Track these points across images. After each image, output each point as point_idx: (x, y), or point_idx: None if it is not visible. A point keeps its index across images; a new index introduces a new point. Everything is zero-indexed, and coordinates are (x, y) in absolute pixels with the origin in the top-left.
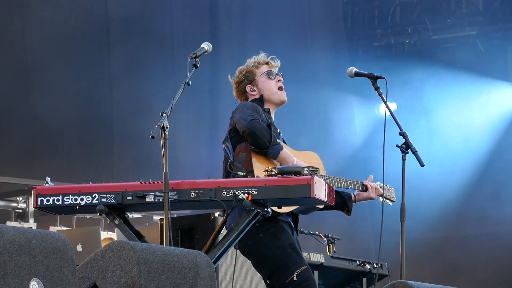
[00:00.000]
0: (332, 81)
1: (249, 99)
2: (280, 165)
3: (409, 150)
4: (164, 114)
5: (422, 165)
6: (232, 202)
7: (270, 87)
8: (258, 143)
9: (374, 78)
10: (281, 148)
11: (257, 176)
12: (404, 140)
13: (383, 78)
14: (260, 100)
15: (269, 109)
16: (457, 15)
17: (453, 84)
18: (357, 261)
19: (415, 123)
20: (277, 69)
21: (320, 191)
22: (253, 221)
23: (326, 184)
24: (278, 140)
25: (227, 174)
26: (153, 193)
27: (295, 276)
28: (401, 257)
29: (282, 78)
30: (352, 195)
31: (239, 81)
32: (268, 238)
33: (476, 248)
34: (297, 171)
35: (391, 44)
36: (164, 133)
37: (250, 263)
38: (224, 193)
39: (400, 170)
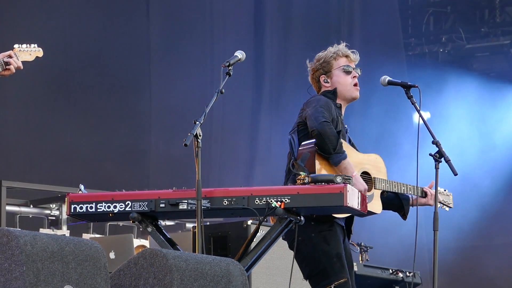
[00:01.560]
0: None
1: (322, 89)
2: (340, 173)
3: (442, 159)
4: (197, 122)
5: (455, 174)
6: (265, 210)
7: (345, 82)
8: (323, 147)
9: (407, 87)
10: (344, 157)
11: None
12: (437, 149)
13: (417, 87)
14: (333, 94)
15: (340, 104)
16: (490, 24)
17: (487, 93)
18: (390, 270)
19: (448, 132)
20: (355, 64)
21: (353, 200)
22: (286, 229)
23: (359, 193)
24: (343, 149)
25: (289, 170)
26: (186, 201)
27: (332, 287)
28: (434, 266)
29: (358, 74)
30: (411, 199)
31: (315, 69)
32: (318, 240)
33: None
34: (330, 180)
35: (425, 53)
36: (197, 141)
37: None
38: (257, 201)
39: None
